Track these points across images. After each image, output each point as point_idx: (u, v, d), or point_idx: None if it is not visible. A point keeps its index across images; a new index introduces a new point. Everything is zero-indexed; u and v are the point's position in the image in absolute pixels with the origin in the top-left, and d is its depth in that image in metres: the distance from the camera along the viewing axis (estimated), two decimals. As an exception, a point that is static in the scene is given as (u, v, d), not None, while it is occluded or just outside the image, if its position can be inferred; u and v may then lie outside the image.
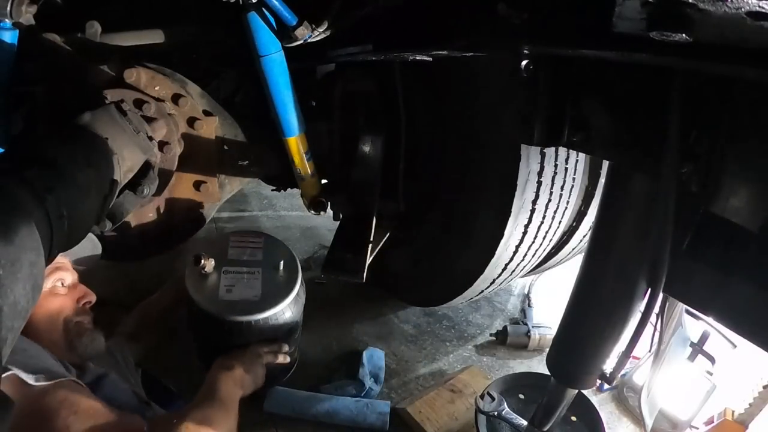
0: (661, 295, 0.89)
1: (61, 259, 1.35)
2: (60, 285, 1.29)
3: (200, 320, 1.40)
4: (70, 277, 1.33)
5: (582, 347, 1.14)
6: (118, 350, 1.45)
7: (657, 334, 1.26)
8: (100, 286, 1.57)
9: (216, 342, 1.43)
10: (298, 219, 3.18)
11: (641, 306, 0.98)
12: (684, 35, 0.55)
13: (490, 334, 2.30)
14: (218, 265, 1.44)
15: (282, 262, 1.48)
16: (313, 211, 1.66)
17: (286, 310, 1.43)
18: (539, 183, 1.55)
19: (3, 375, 0.74)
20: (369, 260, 1.61)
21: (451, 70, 1.55)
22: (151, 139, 1.35)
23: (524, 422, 1.44)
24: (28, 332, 1.09)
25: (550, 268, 2.20)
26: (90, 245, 1.49)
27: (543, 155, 1.52)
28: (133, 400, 1.23)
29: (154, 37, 1.46)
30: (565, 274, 2.30)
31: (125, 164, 1.21)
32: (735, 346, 1.90)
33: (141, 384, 1.43)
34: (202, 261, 1.39)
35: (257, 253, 1.51)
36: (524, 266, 1.84)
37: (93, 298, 1.33)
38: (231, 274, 1.43)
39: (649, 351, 1.72)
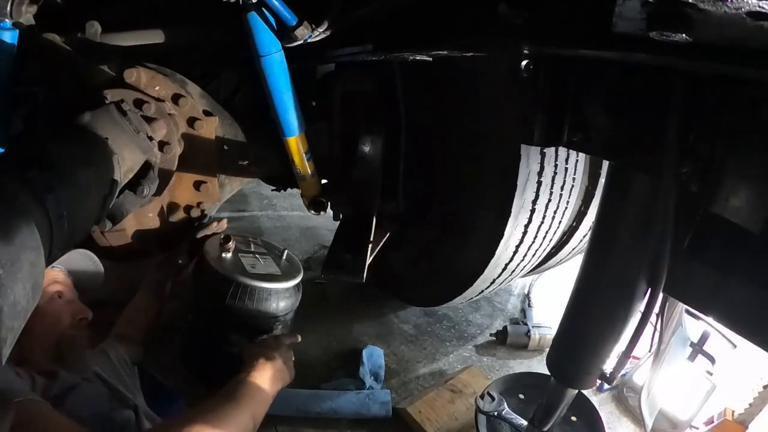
0: (661, 295, 0.89)
1: (61, 275, 1.37)
2: (58, 297, 1.31)
3: (232, 293, 1.39)
4: (68, 292, 1.35)
5: (582, 347, 1.14)
6: (112, 351, 1.44)
7: (657, 334, 1.25)
8: (99, 287, 1.59)
9: (239, 326, 1.41)
10: (298, 219, 3.18)
11: (641, 306, 0.98)
12: (684, 35, 0.55)
13: (490, 334, 2.30)
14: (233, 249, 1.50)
15: (282, 251, 1.55)
16: (313, 211, 1.66)
17: (299, 286, 1.50)
18: (539, 183, 1.55)
19: None
20: (369, 260, 1.61)
21: (451, 70, 1.55)
22: (151, 139, 1.34)
23: (524, 422, 1.44)
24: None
25: (550, 268, 2.20)
26: (93, 267, 1.51)
27: (543, 155, 1.52)
28: (108, 407, 1.17)
29: (154, 37, 1.46)
30: (565, 274, 2.31)
31: (125, 164, 1.21)
32: (735, 346, 1.90)
33: (138, 384, 1.42)
34: (231, 242, 1.45)
35: (258, 247, 1.58)
36: (524, 266, 1.84)
37: (89, 315, 1.34)
38: (248, 257, 1.50)
39: (649, 351, 1.71)
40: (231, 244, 1.47)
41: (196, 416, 0.97)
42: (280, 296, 1.43)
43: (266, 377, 1.16)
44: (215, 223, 1.64)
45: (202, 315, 1.51)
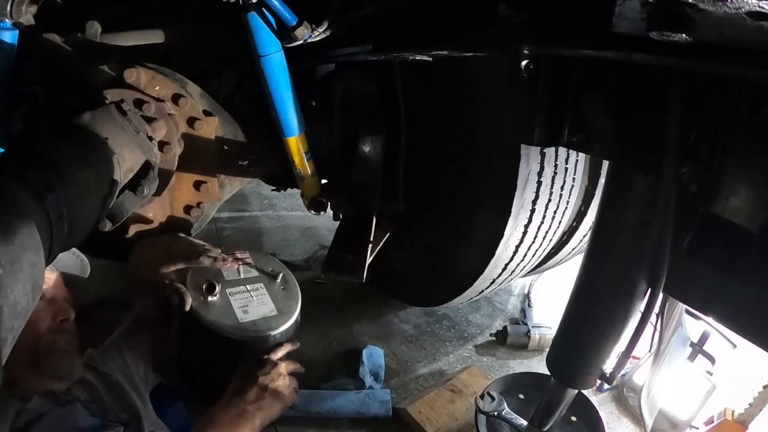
0: (661, 295, 0.89)
1: (47, 273, 1.30)
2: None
3: (224, 347, 1.34)
4: (51, 290, 1.24)
5: (582, 347, 1.14)
6: (129, 355, 1.40)
7: (657, 334, 1.26)
8: (100, 286, 1.58)
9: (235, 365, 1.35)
10: (298, 219, 3.18)
11: (641, 306, 0.98)
12: (684, 35, 0.55)
13: (490, 334, 2.30)
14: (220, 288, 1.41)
15: (276, 271, 1.50)
16: (313, 211, 1.66)
17: (299, 317, 1.46)
18: (539, 183, 1.55)
19: None
20: (369, 260, 1.61)
21: (451, 70, 1.55)
22: (151, 139, 1.34)
23: (524, 422, 1.44)
24: None
25: (550, 268, 2.20)
26: (79, 265, 1.48)
27: (543, 155, 1.52)
28: None
29: (154, 37, 1.45)
30: (565, 274, 2.31)
31: (125, 164, 1.21)
32: (735, 346, 1.90)
33: (146, 390, 1.38)
34: (216, 288, 1.37)
35: (249, 269, 1.52)
36: (524, 266, 1.84)
37: (71, 315, 1.23)
38: (238, 295, 1.41)
39: (649, 351, 1.72)
40: (217, 290, 1.37)
41: None
42: (277, 340, 1.38)
43: (242, 407, 1.16)
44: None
45: (194, 359, 1.48)
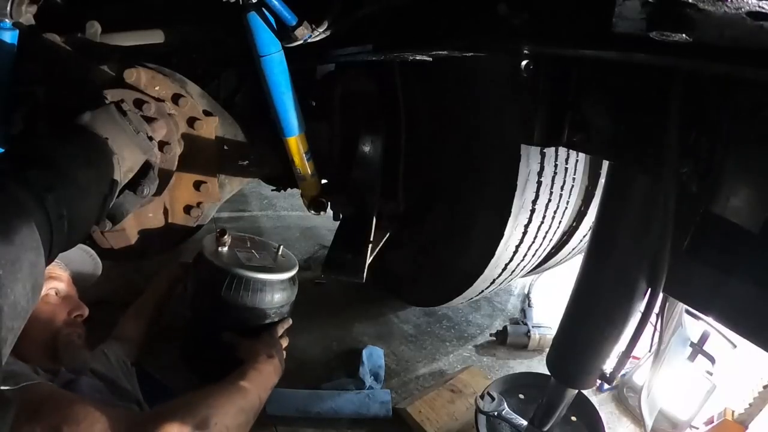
0: (661, 295, 0.90)
1: (58, 270, 1.36)
2: (54, 294, 1.30)
3: (228, 284, 1.41)
4: (64, 288, 1.34)
5: (582, 347, 1.14)
6: (111, 352, 1.45)
7: (657, 334, 1.25)
8: (100, 286, 1.59)
9: (236, 320, 1.45)
10: (298, 219, 3.18)
11: (641, 306, 0.98)
12: (684, 35, 0.55)
13: (490, 334, 2.30)
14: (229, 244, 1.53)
15: (278, 247, 1.59)
16: (313, 211, 1.66)
17: (295, 279, 1.53)
18: (539, 183, 1.55)
19: None
20: (369, 260, 1.61)
21: (451, 70, 1.55)
22: (151, 139, 1.34)
23: (524, 422, 1.44)
24: None
25: (550, 268, 2.20)
26: (92, 264, 1.51)
27: (543, 155, 1.52)
28: (110, 399, 1.22)
29: (154, 37, 1.46)
30: (565, 274, 2.31)
31: (125, 164, 1.21)
32: (735, 346, 1.90)
33: (137, 384, 1.43)
34: (226, 236, 1.49)
35: (254, 243, 1.62)
36: (524, 266, 1.84)
37: (85, 311, 1.34)
38: (244, 252, 1.53)
39: (649, 351, 1.72)
40: (227, 238, 1.50)
41: (214, 389, 1.12)
42: (275, 287, 1.46)
43: (267, 371, 1.29)
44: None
45: (200, 309, 1.53)
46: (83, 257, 1.49)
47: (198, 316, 1.54)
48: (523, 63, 0.89)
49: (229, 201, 1.95)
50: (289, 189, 1.99)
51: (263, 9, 1.22)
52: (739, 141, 0.75)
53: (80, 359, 1.25)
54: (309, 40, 1.24)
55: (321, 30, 1.21)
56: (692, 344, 1.82)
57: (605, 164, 1.54)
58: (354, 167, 1.66)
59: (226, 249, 1.51)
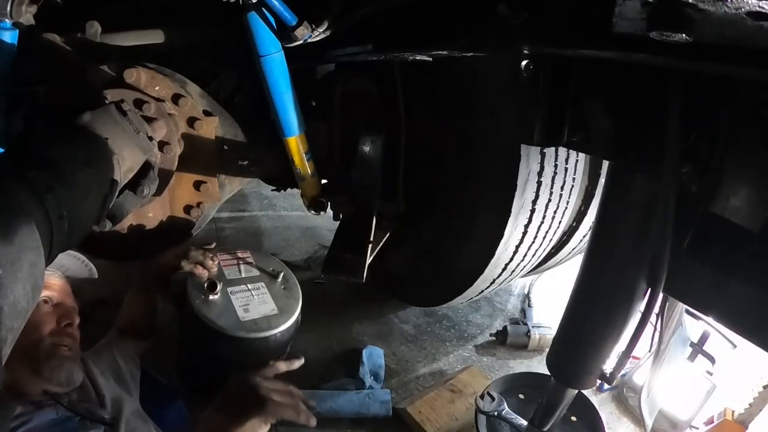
0: (661, 295, 0.89)
1: (52, 279, 1.31)
2: (44, 302, 1.23)
3: (224, 346, 1.34)
4: (57, 296, 1.28)
5: (582, 347, 1.14)
6: (116, 348, 1.44)
7: (657, 334, 1.25)
8: (100, 286, 1.59)
9: (235, 364, 1.32)
10: (298, 219, 3.18)
11: (641, 306, 0.98)
12: (684, 35, 0.55)
13: (490, 334, 2.30)
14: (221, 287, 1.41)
15: (277, 271, 1.51)
16: (313, 211, 1.66)
17: (299, 318, 1.46)
18: (539, 183, 1.55)
19: None
20: (369, 260, 1.61)
21: (451, 70, 1.55)
22: (151, 139, 1.34)
23: (524, 422, 1.44)
24: None
25: (550, 268, 2.20)
26: (87, 273, 1.50)
27: (543, 155, 1.52)
28: None
29: (154, 37, 1.46)
30: (565, 274, 2.31)
31: (125, 164, 1.21)
32: (735, 346, 1.90)
33: (138, 381, 1.42)
34: (218, 286, 1.37)
35: (250, 268, 1.53)
36: (524, 266, 1.84)
37: (75, 320, 1.26)
38: (239, 294, 1.41)
39: (649, 351, 1.72)
40: (218, 289, 1.37)
41: None
42: (277, 339, 1.37)
43: (229, 417, 1.03)
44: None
45: (195, 358, 1.48)
46: (78, 265, 1.47)
47: (194, 359, 1.49)
48: (523, 63, 0.89)
49: (229, 201, 1.95)
50: (289, 189, 1.99)
51: (263, 9, 1.22)
52: (739, 141, 0.75)
53: (64, 375, 1.15)
54: (309, 40, 1.23)
55: (321, 30, 1.21)
56: (692, 344, 1.82)
57: (605, 164, 1.54)
58: (354, 167, 1.66)
59: (218, 296, 1.37)
